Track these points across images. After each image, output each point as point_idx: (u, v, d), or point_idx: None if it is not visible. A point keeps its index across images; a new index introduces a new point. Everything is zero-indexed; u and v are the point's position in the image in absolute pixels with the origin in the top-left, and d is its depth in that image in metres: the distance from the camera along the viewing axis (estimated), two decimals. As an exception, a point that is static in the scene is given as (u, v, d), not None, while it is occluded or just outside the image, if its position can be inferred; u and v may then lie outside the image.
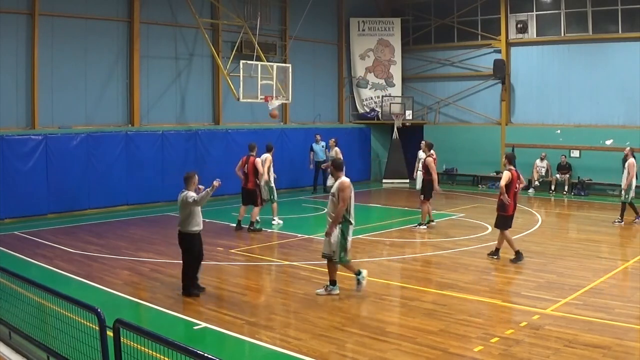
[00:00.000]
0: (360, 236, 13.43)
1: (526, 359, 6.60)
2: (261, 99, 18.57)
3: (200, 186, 9.54)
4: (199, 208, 9.23)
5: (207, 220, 15.93)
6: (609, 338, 7.18)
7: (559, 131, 22.19)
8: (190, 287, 9.12)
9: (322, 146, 21.71)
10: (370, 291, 9.48)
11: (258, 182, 14.48)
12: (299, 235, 13.89)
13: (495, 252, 11.46)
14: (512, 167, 11.22)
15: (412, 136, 25.01)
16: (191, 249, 9.24)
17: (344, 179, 8.90)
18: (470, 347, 6.95)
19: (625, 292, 9.21)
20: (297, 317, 8.28)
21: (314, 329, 7.63)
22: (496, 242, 11.58)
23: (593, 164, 21.13)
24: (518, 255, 11.16)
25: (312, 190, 21.90)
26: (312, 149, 21.74)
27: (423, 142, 16.47)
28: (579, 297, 8.90)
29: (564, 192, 21.35)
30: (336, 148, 20.28)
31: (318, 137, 21.90)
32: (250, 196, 14.50)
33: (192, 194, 9.14)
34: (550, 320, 7.88)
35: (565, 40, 22.04)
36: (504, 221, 11.31)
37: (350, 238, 9.00)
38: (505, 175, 11.08)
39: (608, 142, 20.99)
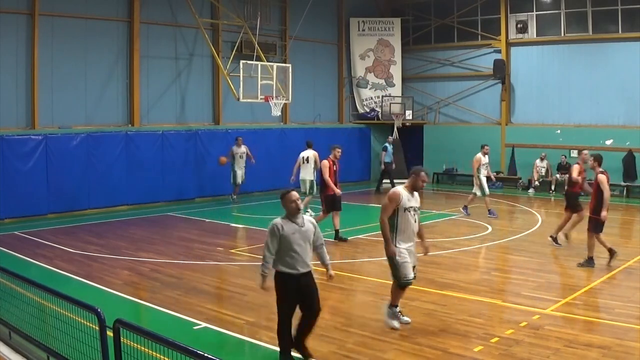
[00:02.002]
0: (360, 236, 13.44)
1: (526, 359, 6.59)
2: (261, 99, 18.58)
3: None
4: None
5: (207, 220, 16.14)
6: (609, 338, 7.17)
7: (559, 131, 22.19)
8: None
9: (392, 148, 21.93)
10: (370, 291, 9.48)
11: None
12: (299, 235, 13.85)
13: (611, 256, 10.74)
14: (601, 170, 10.77)
15: (412, 136, 25.05)
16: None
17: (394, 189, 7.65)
18: (470, 347, 6.95)
19: (625, 292, 9.21)
20: (297, 317, 8.25)
21: (314, 329, 7.62)
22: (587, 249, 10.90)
23: (593, 164, 21.09)
24: (590, 261, 10.66)
25: (375, 191, 21.95)
26: (385, 149, 21.72)
27: (586, 153, 12.74)
28: (579, 297, 8.90)
29: (564, 192, 21.29)
30: (244, 145, 19.02)
31: (390, 138, 22.04)
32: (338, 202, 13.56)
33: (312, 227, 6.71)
34: (550, 320, 7.87)
35: (565, 40, 22.04)
36: (597, 224, 10.73)
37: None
38: (603, 180, 10.61)
39: (608, 142, 20.97)
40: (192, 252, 12.21)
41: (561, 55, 22.21)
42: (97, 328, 5.15)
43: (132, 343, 4.72)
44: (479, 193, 16.49)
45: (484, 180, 16.33)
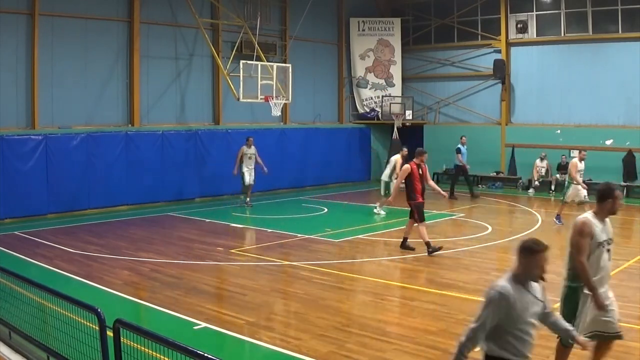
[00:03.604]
0: (360, 236, 13.44)
1: (526, 359, 6.58)
2: (261, 99, 18.57)
3: None
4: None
5: (207, 220, 16.14)
6: (609, 338, 7.15)
7: (559, 131, 22.19)
8: None
9: (466, 149, 20.81)
10: (370, 291, 9.48)
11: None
12: (299, 235, 13.89)
13: None
14: None
15: (412, 136, 25.00)
16: None
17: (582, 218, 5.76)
18: (470, 347, 6.94)
19: (625, 292, 9.20)
20: (297, 317, 8.28)
21: (314, 329, 7.63)
22: None
23: (593, 164, 21.07)
24: None
25: (449, 194, 20.10)
26: (459, 152, 20.64)
27: None
28: (579, 297, 8.88)
29: (564, 192, 21.30)
30: (253, 146, 18.43)
31: (464, 139, 20.98)
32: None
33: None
34: (550, 320, 7.85)
35: (565, 40, 22.04)
36: None
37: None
38: None
39: (608, 142, 20.98)
40: (192, 252, 12.21)
41: (561, 55, 22.20)
42: (97, 328, 5.16)
43: (132, 343, 4.72)
44: (565, 198, 15.17)
45: (572, 187, 14.78)
